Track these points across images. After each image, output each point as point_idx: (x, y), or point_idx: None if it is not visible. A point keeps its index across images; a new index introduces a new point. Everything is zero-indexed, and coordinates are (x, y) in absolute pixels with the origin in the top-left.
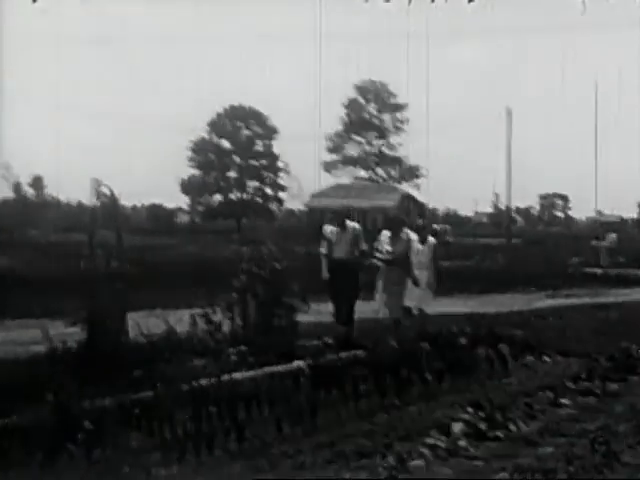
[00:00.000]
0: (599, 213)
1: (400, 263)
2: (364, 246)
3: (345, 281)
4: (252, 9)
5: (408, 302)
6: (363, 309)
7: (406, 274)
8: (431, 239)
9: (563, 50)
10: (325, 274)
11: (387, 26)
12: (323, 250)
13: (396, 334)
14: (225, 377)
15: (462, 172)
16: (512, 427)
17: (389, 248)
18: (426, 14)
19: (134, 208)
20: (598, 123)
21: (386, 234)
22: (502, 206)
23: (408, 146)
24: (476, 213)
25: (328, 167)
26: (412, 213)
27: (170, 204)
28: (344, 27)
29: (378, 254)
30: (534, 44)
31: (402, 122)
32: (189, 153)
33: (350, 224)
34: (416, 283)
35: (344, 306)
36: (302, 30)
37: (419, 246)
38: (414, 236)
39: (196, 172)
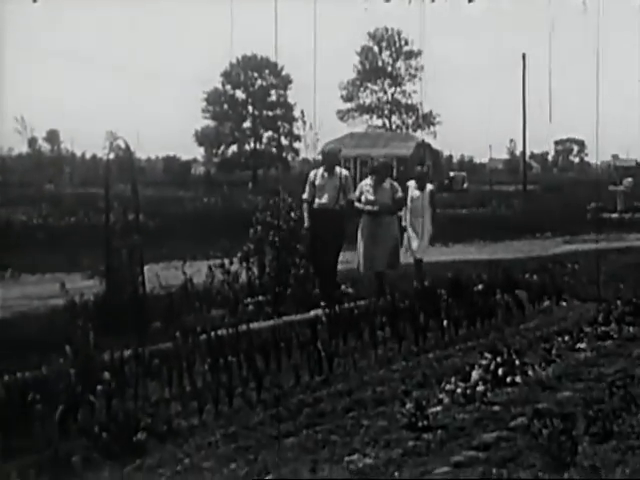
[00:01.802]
0: (615, 158)
1: (385, 213)
2: (353, 195)
3: (327, 230)
4: None
5: (403, 252)
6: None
7: (395, 224)
8: (429, 186)
9: None
10: (307, 222)
11: None
12: (305, 196)
13: (379, 288)
14: (243, 327)
15: (478, 119)
16: (530, 372)
17: (371, 197)
18: None
19: (149, 160)
20: (612, 67)
21: (368, 182)
22: (518, 152)
23: (423, 94)
24: (491, 160)
25: (342, 116)
26: (427, 161)
27: (185, 156)
28: None
29: (359, 204)
30: None
31: (416, 69)
32: (203, 104)
33: (339, 170)
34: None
35: (325, 257)
36: None
37: (416, 192)
38: (412, 183)
39: (211, 123)
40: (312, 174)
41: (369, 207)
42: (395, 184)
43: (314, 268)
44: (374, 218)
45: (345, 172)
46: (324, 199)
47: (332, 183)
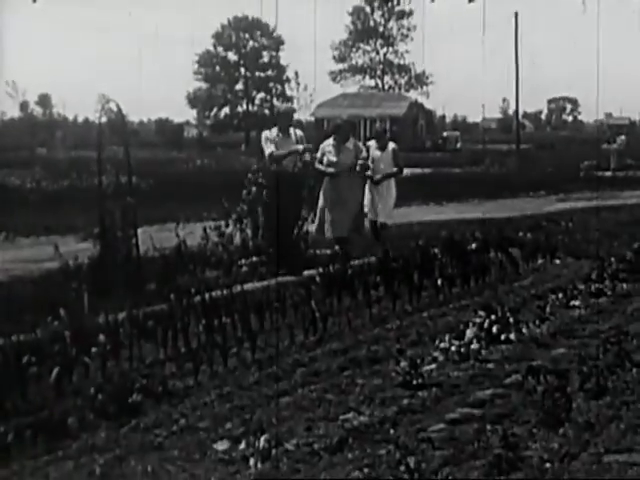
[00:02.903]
0: (608, 116)
1: (348, 174)
2: (307, 157)
3: (285, 194)
4: None
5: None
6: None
7: (359, 187)
8: (391, 144)
9: None
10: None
11: None
12: (269, 150)
13: (342, 255)
14: (237, 288)
15: (470, 78)
16: (524, 330)
17: (333, 159)
18: None
19: (142, 123)
20: (605, 24)
21: (330, 142)
22: (511, 111)
23: (415, 54)
24: (484, 119)
25: (335, 77)
26: (420, 120)
27: (178, 118)
28: None
29: (320, 166)
30: None
31: (409, 29)
32: (195, 66)
33: (293, 131)
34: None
35: (284, 222)
36: None
37: (377, 153)
38: (372, 143)
39: (203, 85)
40: (264, 136)
41: (331, 169)
42: (359, 144)
43: (271, 234)
44: (336, 180)
45: (300, 133)
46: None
47: (287, 145)
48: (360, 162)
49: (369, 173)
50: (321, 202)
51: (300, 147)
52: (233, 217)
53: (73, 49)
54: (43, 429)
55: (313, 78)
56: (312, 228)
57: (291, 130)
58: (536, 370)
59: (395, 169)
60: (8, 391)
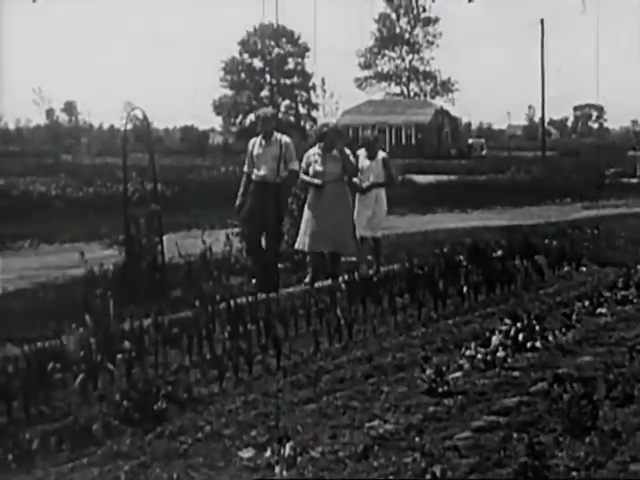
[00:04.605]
0: (634, 123)
1: (335, 184)
2: (295, 165)
3: (265, 206)
4: None
5: (359, 229)
6: None
7: (347, 198)
8: (382, 153)
9: None
10: (239, 198)
11: None
12: (245, 168)
13: (332, 269)
14: (262, 295)
15: (496, 86)
16: (550, 337)
17: (319, 168)
18: None
19: (167, 130)
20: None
21: (315, 151)
22: (536, 118)
23: (441, 60)
24: (510, 126)
25: (360, 83)
26: (446, 127)
27: (203, 125)
28: None
29: (305, 177)
30: None
31: (434, 36)
32: (221, 73)
33: (278, 136)
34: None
35: (262, 236)
36: None
37: (366, 162)
38: (362, 152)
39: (228, 92)
40: (250, 143)
41: (316, 180)
42: (346, 151)
43: (247, 249)
44: (322, 192)
45: (286, 139)
46: (262, 170)
47: (270, 152)
48: (348, 167)
49: (357, 182)
50: (305, 214)
51: None
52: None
53: (100, 56)
54: (68, 436)
55: (338, 85)
56: (298, 243)
57: (275, 135)
58: (562, 378)
59: (384, 179)
60: (33, 397)
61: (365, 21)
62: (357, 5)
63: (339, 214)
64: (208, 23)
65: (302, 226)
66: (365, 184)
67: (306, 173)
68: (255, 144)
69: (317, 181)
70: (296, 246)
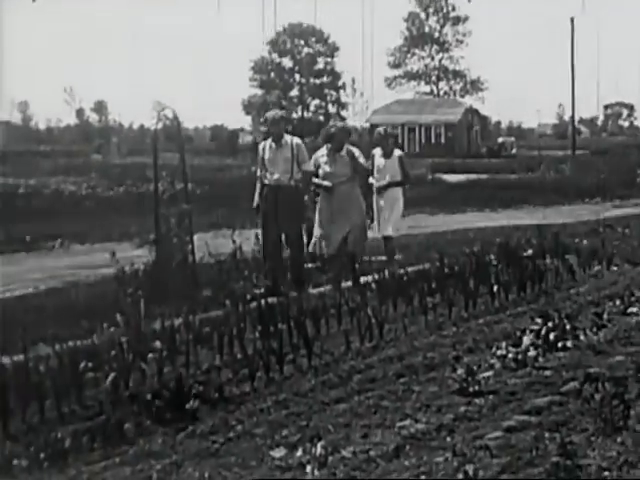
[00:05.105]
0: None
1: (346, 185)
2: (308, 166)
3: (283, 210)
4: None
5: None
6: None
7: (358, 199)
8: (397, 151)
9: None
10: (256, 200)
11: None
12: (258, 172)
13: (352, 270)
14: (292, 294)
15: (526, 84)
16: (581, 337)
17: (328, 169)
18: None
19: (197, 129)
20: None
21: (324, 152)
22: (566, 117)
23: (471, 59)
24: (540, 125)
25: (390, 83)
26: (475, 126)
27: (233, 125)
28: None
29: (315, 179)
30: None
31: (464, 35)
32: (250, 73)
33: (289, 138)
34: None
35: (272, 241)
36: None
37: (381, 161)
38: (377, 151)
39: (258, 92)
40: (260, 147)
41: (326, 182)
42: (355, 150)
43: (264, 254)
44: (332, 193)
45: (297, 140)
46: (276, 174)
47: (282, 155)
48: (359, 168)
49: (372, 182)
50: (317, 217)
51: None
52: None
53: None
54: (100, 435)
55: (367, 84)
56: (311, 245)
57: (286, 138)
58: (593, 377)
59: (401, 178)
60: (65, 397)
61: (394, 20)
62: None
63: (350, 216)
64: (234, 21)
65: (315, 228)
66: (380, 183)
67: (315, 175)
68: (265, 148)
69: (326, 183)
70: (310, 249)
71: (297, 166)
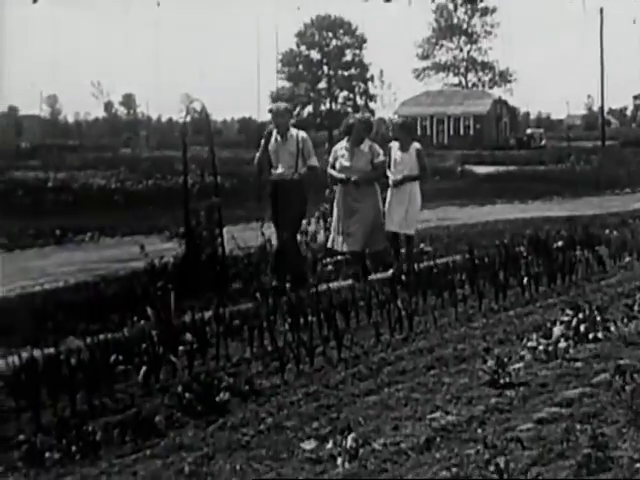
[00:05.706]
0: None
1: (362, 181)
2: (314, 161)
3: (285, 205)
4: None
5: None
6: None
7: (376, 195)
8: (415, 144)
9: None
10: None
11: None
12: (255, 161)
13: (362, 269)
14: (322, 286)
15: (555, 75)
16: (612, 328)
17: (346, 163)
18: None
19: (225, 122)
20: None
21: (344, 145)
22: (595, 108)
23: (499, 50)
24: (569, 116)
25: (418, 74)
26: (504, 118)
27: (261, 117)
28: None
29: (331, 171)
30: None
31: (492, 26)
32: (278, 65)
33: (294, 132)
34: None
35: (284, 233)
36: None
37: (399, 154)
38: (394, 144)
39: (286, 84)
40: (266, 133)
41: (342, 175)
42: (375, 146)
43: (277, 249)
44: (349, 188)
45: (303, 134)
46: (280, 168)
47: (287, 148)
48: (376, 163)
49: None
50: (335, 212)
51: None
52: (316, 215)
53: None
54: (131, 427)
55: (395, 76)
56: (329, 241)
57: (291, 131)
58: (624, 369)
59: (418, 172)
60: (96, 390)
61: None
62: None
63: (367, 211)
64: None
65: (332, 224)
66: (397, 177)
67: (332, 167)
68: (271, 140)
69: (343, 176)
70: (328, 245)
71: (302, 160)
